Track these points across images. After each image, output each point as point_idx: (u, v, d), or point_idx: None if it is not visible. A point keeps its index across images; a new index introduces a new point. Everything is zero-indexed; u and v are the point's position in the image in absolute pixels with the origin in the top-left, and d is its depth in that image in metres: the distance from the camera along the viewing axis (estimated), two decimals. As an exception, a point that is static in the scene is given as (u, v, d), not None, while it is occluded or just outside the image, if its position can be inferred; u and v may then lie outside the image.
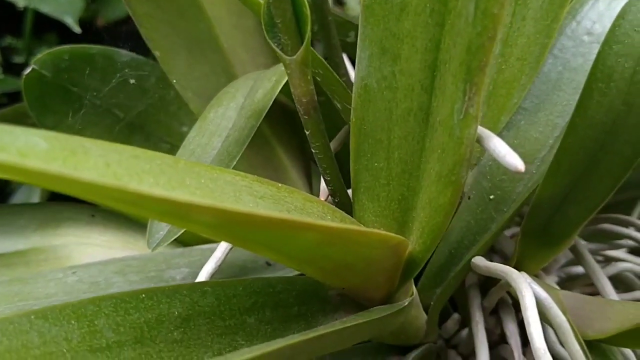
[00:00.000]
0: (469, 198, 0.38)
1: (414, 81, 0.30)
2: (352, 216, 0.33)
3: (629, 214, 0.51)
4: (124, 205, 0.20)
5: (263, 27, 0.29)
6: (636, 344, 0.35)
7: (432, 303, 0.37)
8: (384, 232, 0.26)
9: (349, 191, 0.34)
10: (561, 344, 0.34)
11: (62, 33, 0.89)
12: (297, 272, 0.37)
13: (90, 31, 0.90)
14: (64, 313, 0.24)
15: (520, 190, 0.37)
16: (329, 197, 0.35)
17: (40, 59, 0.46)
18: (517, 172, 0.24)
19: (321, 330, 0.25)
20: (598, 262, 0.46)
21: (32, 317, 0.23)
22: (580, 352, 0.33)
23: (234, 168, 0.35)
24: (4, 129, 0.17)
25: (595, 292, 0.44)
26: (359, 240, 0.25)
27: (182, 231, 0.35)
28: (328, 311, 0.31)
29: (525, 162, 0.38)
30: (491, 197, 0.38)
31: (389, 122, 0.31)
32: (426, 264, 0.39)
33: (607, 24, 0.38)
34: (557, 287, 0.40)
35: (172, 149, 0.51)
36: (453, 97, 0.27)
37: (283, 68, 0.31)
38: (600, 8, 0.40)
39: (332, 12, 0.44)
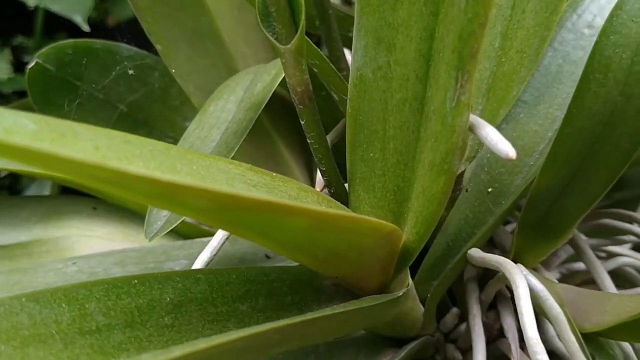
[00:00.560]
0: (466, 191, 0.38)
1: (409, 71, 0.30)
2: (348, 207, 0.33)
3: (634, 211, 0.51)
4: (111, 186, 0.20)
5: (257, 16, 0.29)
6: (633, 337, 0.34)
7: (428, 295, 0.37)
8: (375, 220, 0.26)
9: (346, 185, 0.34)
10: (560, 339, 0.34)
11: (72, 32, 0.90)
12: (295, 265, 0.37)
13: (101, 30, 0.91)
14: (55, 296, 0.24)
15: (519, 183, 0.37)
16: (325, 188, 0.35)
17: (44, 53, 0.46)
18: (509, 160, 0.24)
19: (309, 315, 0.25)
20: (600, 258, 0.46)
21: (24, 299, 0.23)
22: (576, 344, 0.33)
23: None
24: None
25: (597, 289, 0.44)
26: (350, 227, 0.26)
27: (180, 221, 0.36)
28: (322, 300, 0.31)
29: (524, 155, 0.38)
30: (489, 190, 0.38)
31: (384, 113, 0.31)
32: (424, 256, 0.39)
33: (608, 17, 0.38)
34: (557, 282, 0.40)
35: (176, 144, 0.51)
36: (446, 85, 0.27)
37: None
38: (602, 1, 0.40)
39: (334, 7, 0.44)
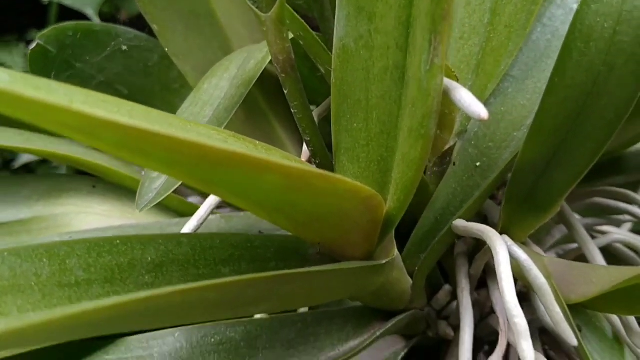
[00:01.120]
0: (454, 164, 0.38)
1: (389, 39, 0.30)
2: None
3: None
4: (83, 136, 0.21)
5: (239, -15, 0.30)
6: (619, 308, 0.34)
7: (416, 269, 0.37)
8: (350, 181, 0.26)
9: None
10: (545, 310, 0.34)
11: (84, 27, 0.92)
12: (281, 234, 0.37)
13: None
14: (37, 252, 0.25)
15: (507, 157, 0.37)
16: (311, 159, 0.35)
17: (45, 34, 0.47)
18: (482, 120, 0.25)
19: (285, 272, 0.25)
20: (594, 238, 0.45)
21: (6, 254, 0.24)
22: (561, 314, 0.33)
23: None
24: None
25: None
26: (325, 187, 0.26)
27: (173, 189, 0.36)
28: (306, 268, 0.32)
29: (513, 129, 0.39)
30: (477, 164, 0.38)
31: (366, 82, 0.32)
32: (412, 231, 0.39)
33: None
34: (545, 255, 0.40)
35: (175, 126, 0.52)
36: (421, 49, 0.27)
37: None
38: (592, -23, 0.40)
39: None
